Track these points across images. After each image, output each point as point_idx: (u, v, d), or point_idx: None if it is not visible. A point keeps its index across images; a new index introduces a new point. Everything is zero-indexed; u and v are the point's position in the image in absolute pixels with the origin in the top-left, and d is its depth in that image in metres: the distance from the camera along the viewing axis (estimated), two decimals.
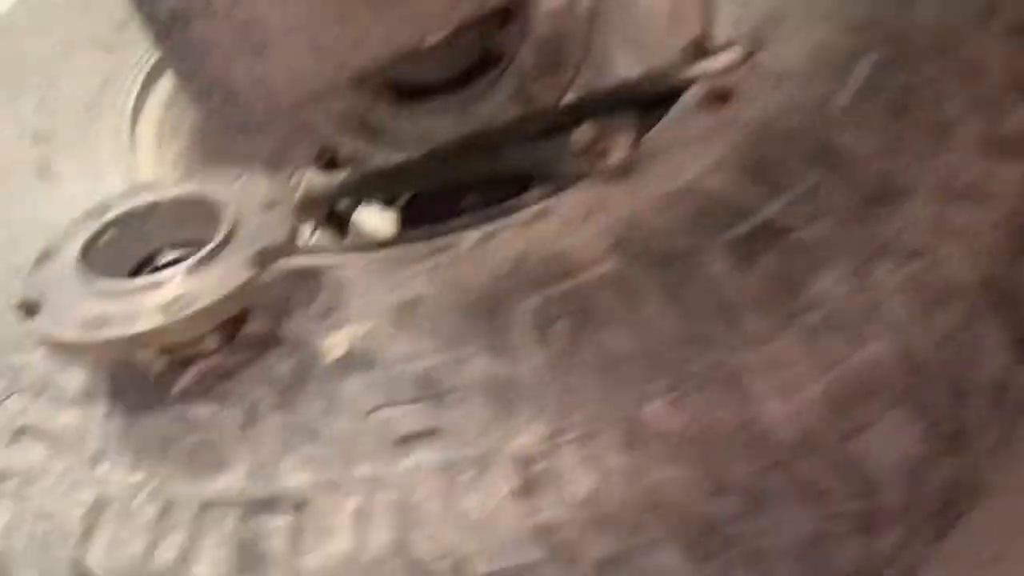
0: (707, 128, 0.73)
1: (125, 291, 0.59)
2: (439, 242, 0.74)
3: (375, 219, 1.29)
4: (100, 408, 0.65)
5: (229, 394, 0.63)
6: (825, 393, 0.59)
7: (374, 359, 0.63)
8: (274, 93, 0.74)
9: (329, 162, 1.34)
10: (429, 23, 0.69)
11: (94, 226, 0.65)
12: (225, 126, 0.90)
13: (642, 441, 0.58)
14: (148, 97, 1.11)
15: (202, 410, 0.63)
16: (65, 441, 0.64)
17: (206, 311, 0.57)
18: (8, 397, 0.66)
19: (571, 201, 0.71)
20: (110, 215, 0.66)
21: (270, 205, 0.64)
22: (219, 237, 0.61)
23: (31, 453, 0.65)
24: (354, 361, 0.63)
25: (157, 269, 0.67)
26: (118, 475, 0.62)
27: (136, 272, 0.66)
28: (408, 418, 0.60)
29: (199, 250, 0.63)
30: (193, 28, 0.65)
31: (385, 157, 1.24)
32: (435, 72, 1.18)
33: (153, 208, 0.67)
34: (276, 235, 0.62)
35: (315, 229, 1.24)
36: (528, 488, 0.57)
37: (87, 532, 0.60)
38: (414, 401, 0.60)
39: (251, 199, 0.65)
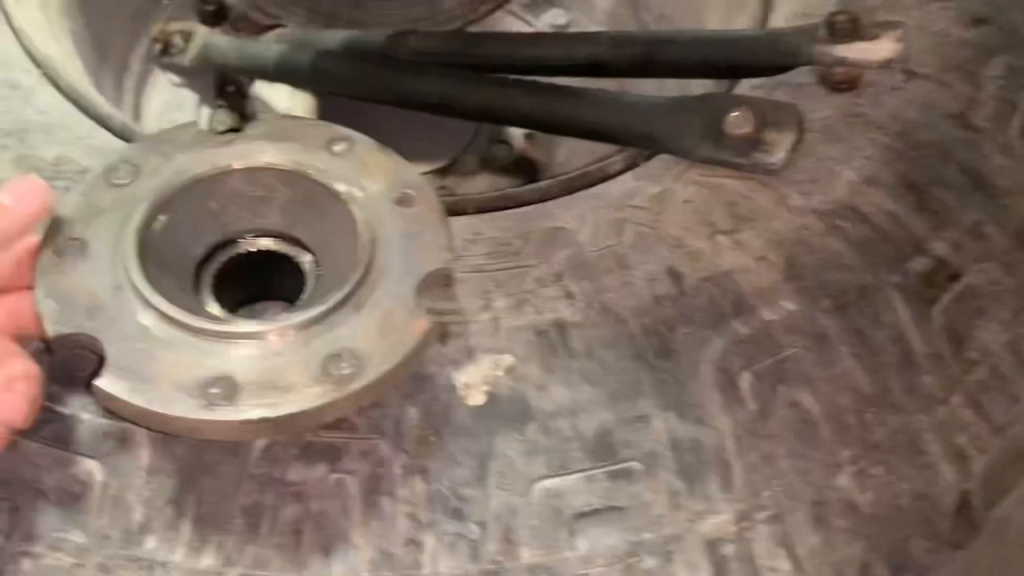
0: (842, 125, 0.64)
1: (233, 334, 0.40)
2: (539, 220, 0.60)
3: (285, 98, 1.05)
4: (135, 461, 0.46)
5: (343, 451, 0.47)
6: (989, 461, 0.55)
7: (527, 409, 0.50)
8: None
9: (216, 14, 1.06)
10: None
11: (133, 202, 0.44)
12: None
13: (829, 519, 0.51)
14: None
15: (305, 473, 0.47)
16: (87, 504, 0.45)
17: (383, 378, 0.40)
18: None
19: (707, 198, 0.60)
20: (160, 190, 0.44)
21: (403, 200, 0.47)
22: (361, 257, 0.43)
23: (27, 515, 0.45)
24: (502, 410, 0.49)
25: (246, 284, 0.47)
26: (173, 556, 0.45)
27: (197, 275, 0.46)
28: (583, 492, 0.48)
29: (314, 264, 0.45)
30: None
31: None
32: None
33: (223, 180, 0.46)
34: (431, 253, 0.45)
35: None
36: None
37: None
38: (590, 470, 0.49)
39: (369, 183, 0.47)
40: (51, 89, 0.66)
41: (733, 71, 0.69)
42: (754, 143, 0.59)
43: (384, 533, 0.46)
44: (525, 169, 1.02)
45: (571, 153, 1.03)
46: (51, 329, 0.40)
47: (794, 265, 0.56)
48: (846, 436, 0.52)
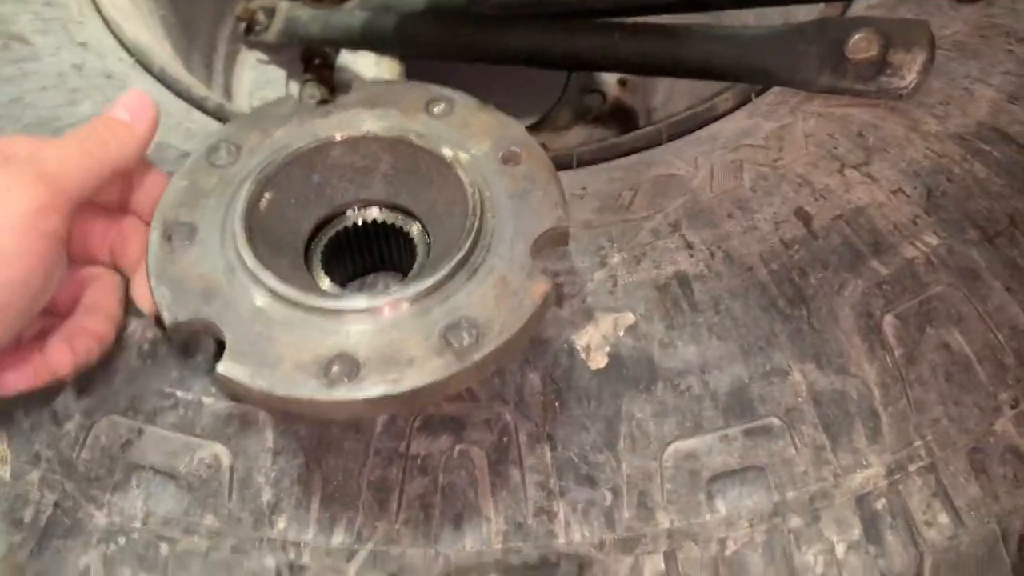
0: (976, 39, 0.58)
1: (349, 310, 0.39)
2: (648, 169, 0.57)
3: (371, 67, 1.03)
4: (260, 443, 0.46)
5: (465, 422, 0.46)
6: None
7: (653, 368, 0.47)
8: None
9: None
10: None
11: (237, 181, 0.43)
12: None
13: (990, 467, 0.47)
14: None
15: (429, 446, 0.45)
16: (217, 488, 0.45)
17: (505, 347, 0.38)
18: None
19: (831, 130, 0.56)
20: (263, 166, 0.43)
21: (510, 158, 0.44)
22: (471, 221, 0.41)
23: (161, 501, 0.45)
24: (626, 371, 0.47)
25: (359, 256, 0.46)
26: (305, 535, 0.45)
27: (307, 252, 0.45)
28: (718, 452, 0.46)
29: (423, 232, 0.43)
30: None
31: None
32: None
33: (324, 152, 0.44)
34: (543, 212, 0.42)
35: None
36: (872, 535, 0.46)
37: None
38: (726, 428, 0.46)
39: (473, 144, 0.45)
40: (144, 75, 0.66)
41: None
42: (880, 67, 0.54)
43: (515, 503, 0.45)
44: (621, 118, 0.98)
45: (668, 96, 0.99)
46: (168, 316, 0.39)
47: (934, 196, 0.52)
48: (1004, 377, 0.48)
